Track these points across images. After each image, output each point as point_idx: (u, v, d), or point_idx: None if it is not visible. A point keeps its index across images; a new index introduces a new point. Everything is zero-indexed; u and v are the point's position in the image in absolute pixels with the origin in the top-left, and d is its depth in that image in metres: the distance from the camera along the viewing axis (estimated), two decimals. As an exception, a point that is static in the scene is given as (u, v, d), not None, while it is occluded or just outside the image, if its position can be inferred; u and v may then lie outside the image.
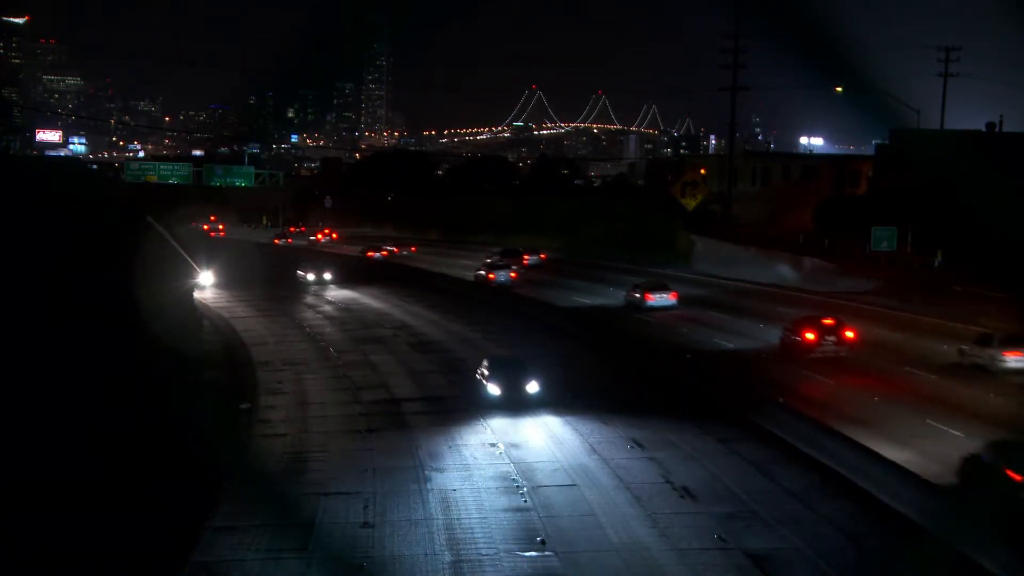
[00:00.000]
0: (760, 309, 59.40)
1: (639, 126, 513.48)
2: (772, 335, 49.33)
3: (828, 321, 46.60)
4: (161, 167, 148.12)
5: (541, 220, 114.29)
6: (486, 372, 39.36)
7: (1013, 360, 40.06)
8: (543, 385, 38.35)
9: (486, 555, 24.37)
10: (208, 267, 73.90)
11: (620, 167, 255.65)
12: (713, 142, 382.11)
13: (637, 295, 63.85)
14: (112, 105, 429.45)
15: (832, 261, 73.48)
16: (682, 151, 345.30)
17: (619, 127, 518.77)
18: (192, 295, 64.91)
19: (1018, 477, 24.42)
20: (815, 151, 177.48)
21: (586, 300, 68.35)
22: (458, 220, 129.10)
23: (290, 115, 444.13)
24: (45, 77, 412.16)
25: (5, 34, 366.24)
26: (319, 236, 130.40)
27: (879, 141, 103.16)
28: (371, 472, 31.18)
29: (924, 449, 30.73)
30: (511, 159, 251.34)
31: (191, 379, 42.10)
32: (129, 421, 29.94)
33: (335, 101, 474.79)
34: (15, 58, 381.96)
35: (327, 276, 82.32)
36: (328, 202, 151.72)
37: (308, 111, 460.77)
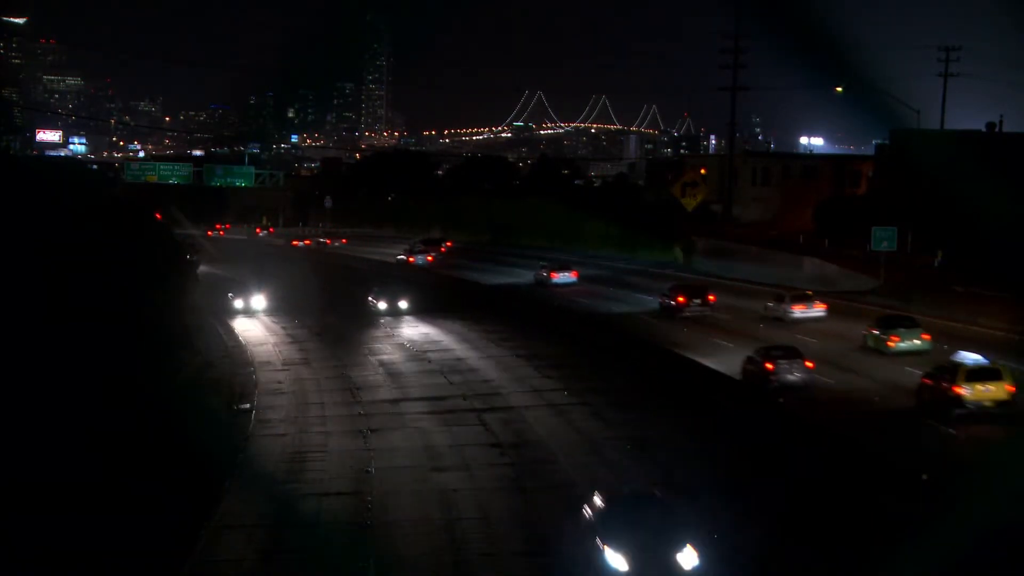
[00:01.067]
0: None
1: (639, 126, 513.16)
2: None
3: (696, 288, 62.52)
4: (161, 167, 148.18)
5: (541, 220, 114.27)
6: None
7: (798, 312, 56.70)
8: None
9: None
10: (259, 286, 70.21)
11: (620, 167, 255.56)
12: (713, 142, 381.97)
13: (544, 274, 76.73)
14: (112, 105, 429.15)
15: (832, 261, 73.50)
16: (682, 151, 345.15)
17: (619, 127, 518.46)
18: (224, 324, 62.62)
19: (771, 366, 40.44)
20: (815, 151, 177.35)
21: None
22: (457, 220, 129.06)
23: (290, 115, 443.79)
24: (45, 77, 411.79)
25: (5, 34, 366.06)
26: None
27: (879, 141, 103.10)
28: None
29: (726, 360, 44.49)
30: (511, 159, 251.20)
31: (192, 379, 42.12)
32: (129, 421, 29.95)
33: (335, 101, 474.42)
34: (15, 58, 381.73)
35: (402, 305, 65.36)
36: (328, 202, 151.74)
37: (308, 111, 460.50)
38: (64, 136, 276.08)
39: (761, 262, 78.64)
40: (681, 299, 60.23)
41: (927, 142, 76.55)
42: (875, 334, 47.96)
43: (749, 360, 42.12)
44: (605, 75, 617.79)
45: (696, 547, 21.22)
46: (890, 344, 46.55)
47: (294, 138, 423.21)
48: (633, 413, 37.06)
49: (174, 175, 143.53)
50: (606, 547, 21.40)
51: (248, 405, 41.01)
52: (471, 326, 59.26)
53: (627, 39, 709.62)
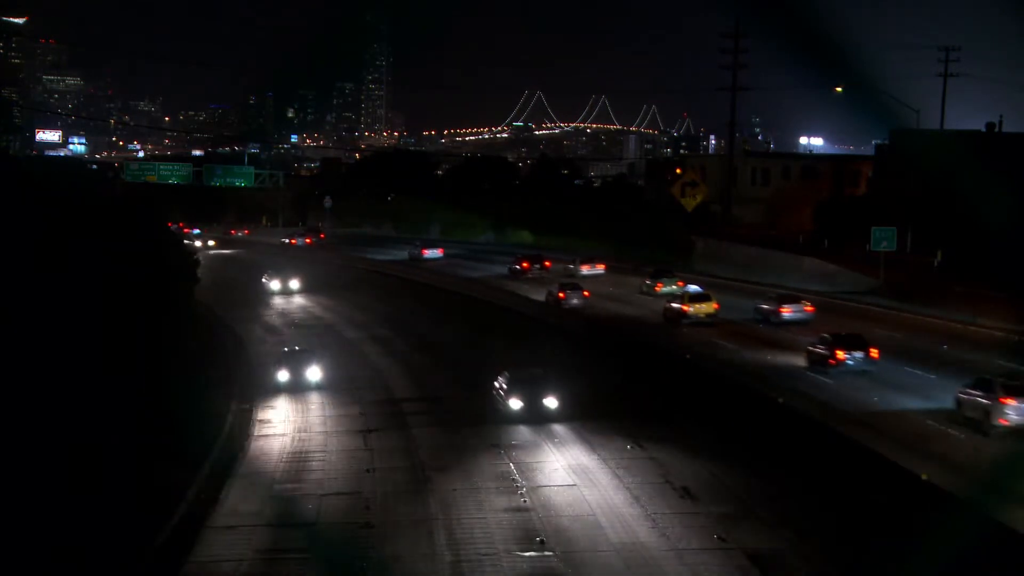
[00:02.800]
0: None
1: (639, 126, 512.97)
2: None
3: (535, 257, 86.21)
4: (161, 167, 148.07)
5: (541, 220, 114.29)
6: None
7: (585, 270, 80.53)
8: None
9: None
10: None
11: (620, 167, 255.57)
12: (713, 142, 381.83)
13: (416, 252, 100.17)
14: (112, 105, 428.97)
15: (832, 261, 73.50)
16: (682, 151, 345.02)
17: (619, 127, 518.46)
18: None
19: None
20: (815, 151, 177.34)
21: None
22: (458, 220, 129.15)
23: (290, 115, 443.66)
24: (45, 77, 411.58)
25: (5, 34, 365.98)
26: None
27: (879, 141, 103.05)
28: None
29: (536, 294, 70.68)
30: (511, 159, 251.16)
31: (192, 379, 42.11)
32: (129, 421, 29.95)
33: (335, 101, 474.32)
34: (15, 58, 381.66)
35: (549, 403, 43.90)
36: (328, 202, 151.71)
37: (308, 111, 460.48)
38: (64, 136, 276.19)
39: (760, 262, 78.63)
40: (525, 265, 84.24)
41: (927, 142, 76.58)
42: (647, 283, 72.93)
43: (548, 293, 68.35)
44: (605, 75, 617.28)
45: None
46: (656, 288, 70.56)
47: (294, 138, 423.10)
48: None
49: (174, 175, 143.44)
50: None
51: (248, 405, 41.03)
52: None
53: (627, 39, 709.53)
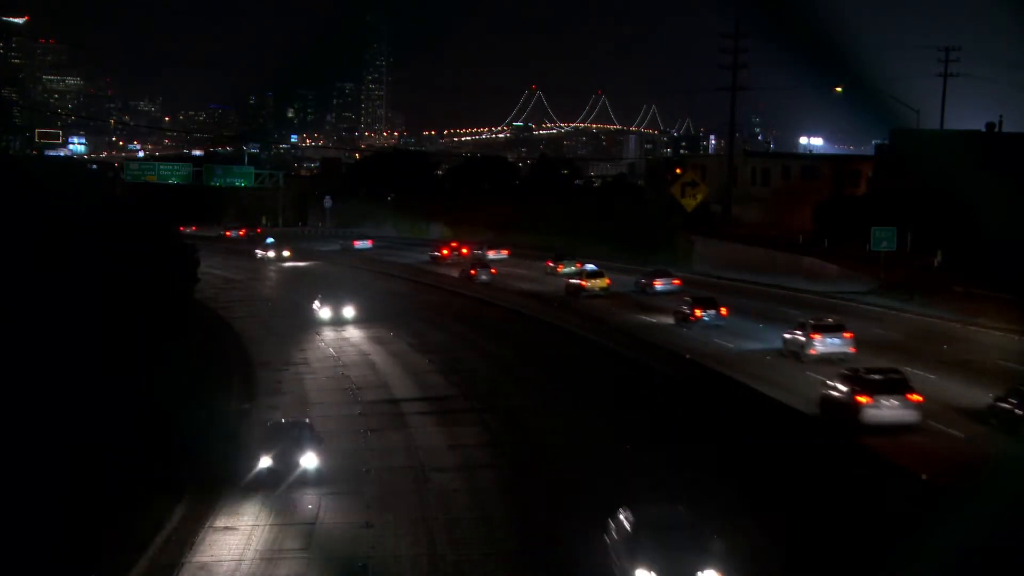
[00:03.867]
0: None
1: (639, 126, 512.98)
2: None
3: (452, 247, 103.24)
4: (161, 167, 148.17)
5: (540, 220, 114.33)
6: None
7: (491, 255, 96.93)
8: None
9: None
10: None
11: (620, 167, 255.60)
12: (713, 142, 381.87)
13: (348, 243, 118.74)
14: (112, 105, 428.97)
15: (832, 261, 73.48)
16: (682, 151, 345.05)
17: (619, 127, 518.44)
18: None
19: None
20: (815, 151, 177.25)
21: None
22: (458, 220, 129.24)
23: (290, 115, 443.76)
24: (45, 77, 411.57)
25: (5, 34, 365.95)
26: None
27: (879, 141, 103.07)
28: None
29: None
30: (511, 159, 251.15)
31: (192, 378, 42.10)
32: (129, 421, 29.96)
33: (335, 101, 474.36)
34: (15, 58, 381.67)
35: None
36: (328, 202, 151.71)
37: (308, 111, 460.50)
38: (64, 136, 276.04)
39: (760, 262, 78.61)
40: (444, 252, 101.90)
41: (927, 142, 76.59)
42: (550, 265, 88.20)
43: (462, 271, 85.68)
44: (605, 75, 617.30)
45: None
46: (559, 269, 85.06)
47: (294, 138, 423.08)
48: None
49: (174, 175, 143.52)
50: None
51: (248, 405, 41.03)
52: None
53: (628, 39, 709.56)
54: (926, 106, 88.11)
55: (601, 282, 72.64)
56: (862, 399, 33.92)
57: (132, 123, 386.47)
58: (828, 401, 36.02)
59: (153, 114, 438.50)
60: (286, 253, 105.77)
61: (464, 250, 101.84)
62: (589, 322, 58.28)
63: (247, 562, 24.49)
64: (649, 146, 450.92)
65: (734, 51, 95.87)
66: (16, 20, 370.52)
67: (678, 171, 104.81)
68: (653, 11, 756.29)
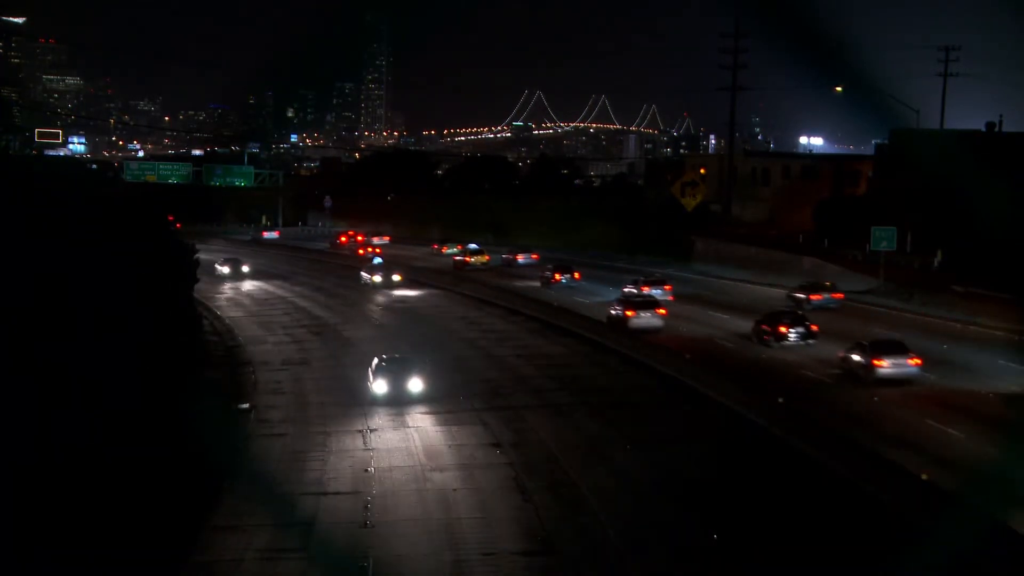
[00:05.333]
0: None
1: (639, 126, 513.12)
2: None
3: (374, 242, 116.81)
4: (161, 167, 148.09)
5: (541, 220, 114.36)
6: None
7: (445, 252, 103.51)
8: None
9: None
10: None
11: (620, 167, 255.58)
12: (713, 142, 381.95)
13: (257, 234, 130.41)
14: (112, 105, 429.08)
15: (832, 261, 73.50)
16: (682, 151, 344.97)
17: (619, 127, 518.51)
18: None
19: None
20: (815, 151, 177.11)
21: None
22: (458, 220, 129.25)
23: (290, 115, 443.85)
24: (45, 77, 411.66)
25: (5, 34, 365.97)
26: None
27: (879, 141, 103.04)
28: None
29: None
30: (511, 159, 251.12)
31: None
32: (129, 420, 29.94)
33: (335, 101, 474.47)
34: (15, 58, 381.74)
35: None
36: (328, 202, 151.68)
37: (308, 111, 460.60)
38: (64, 136, 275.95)
39: (760, 262, 78.65)
40: (343, 239, 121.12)
41: (927, 142, 76.57)
42: (435, 248, 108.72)
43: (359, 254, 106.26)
44: (605, 75, 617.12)
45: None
46: (443, 251, 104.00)
47: (294, 138, 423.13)
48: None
49: (174, 175, 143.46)
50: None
51: (248, 405, 41.01)
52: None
53: (627, 39, 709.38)
54: (926, 106, 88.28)
55: (482, 258, 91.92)
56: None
57: (132, 123, 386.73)
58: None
59: (153, 114, 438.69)
60: (396, 278, 79.58)
61: (359, 237, 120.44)
62: (476, 285, 75.37)
63: (247, 562, 24.49)
64: (649, 146, 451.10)
65: (734, 51, 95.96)
66: (16, 20, 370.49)
67: (688, 174, 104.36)
68: (653, 11, 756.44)
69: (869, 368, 40.95)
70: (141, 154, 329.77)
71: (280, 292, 78.77)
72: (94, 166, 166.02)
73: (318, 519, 27.21)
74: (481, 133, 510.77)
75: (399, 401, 39.86)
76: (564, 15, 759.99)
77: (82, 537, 23.88)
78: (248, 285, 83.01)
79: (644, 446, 33.07)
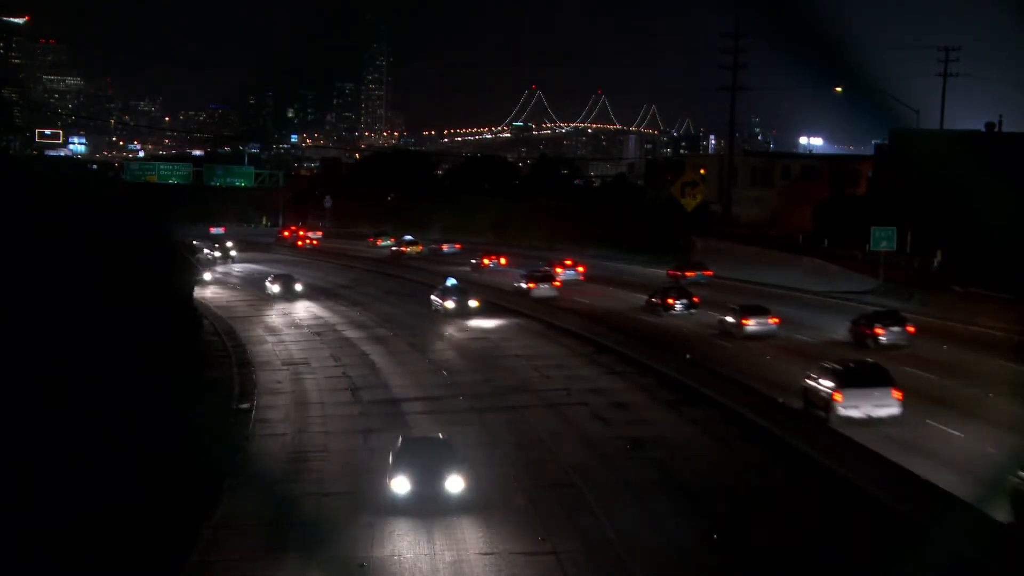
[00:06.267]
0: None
1: (639, 126, 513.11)
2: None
3: (310, 233, 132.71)
4: (161, 167, 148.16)
5: (541, 220, 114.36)
6: None
7: (380, 245, 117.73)
8: None
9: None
10: None
11: (620, 167, 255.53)
12: (713, 142, 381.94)
13: (205, 229, 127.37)
14: (112, 105, 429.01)
15: (832, 261, 73.52)
16: (682, 151, 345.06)
17: (619, 127, 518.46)
18: None
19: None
20: (815, 151, 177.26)
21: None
22: (458, 220, 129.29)
23: (290, 115, 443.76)
24: (45, 77, 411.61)
25: (5, 34, 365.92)
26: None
27: (879, 141, 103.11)
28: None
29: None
30: (511, 159, 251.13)
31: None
32: (129, 421, 29.95)
33: (335, 101, 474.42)
34: (15, 58, 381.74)
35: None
36: (328, 202, 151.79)
37: (308, 111, 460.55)
38: (64, 136, 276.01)
39: (760, 262, 78.65)
40: (285, 234, 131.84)
41: (927, 142, 76.61)
42: (370, 241, 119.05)
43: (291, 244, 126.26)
44: (605, 75, 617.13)
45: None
46: (377, 243, 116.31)
47: (294, 138, 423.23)
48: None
49: (174, 175, 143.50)
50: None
51: (248, 405, 41.02)
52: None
53: (627, 39, 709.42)
54: (926, 106, 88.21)
55: (416, 248, 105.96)
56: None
57: (132, 123, 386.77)
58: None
59: (153, 114, 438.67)
60: (473, 303, 63.64)
61: (301, 232, 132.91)
62: (412, 271, 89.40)
63: (246, 562, 24.50)
64: (649, 146, 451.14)
65: (734, 51, 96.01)
66: (16, 20, 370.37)
67: (688, 174, 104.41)
68: (653, 11, 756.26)
69: (739, 326, 51.73)
70: (141, 154, 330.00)
71: (334, 320, 64.58)
72: (94, 166, 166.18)
73: (318, 519, 27.21)
74: (481, 133, 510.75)
75: (428, 510, 26.64)
76: (564, 15, 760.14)
77: (82, 537, 23.89)
78: (301, 309, 69.82)
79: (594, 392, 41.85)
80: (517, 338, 56.01)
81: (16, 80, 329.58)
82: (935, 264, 68.53)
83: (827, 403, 34.03)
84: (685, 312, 59.52)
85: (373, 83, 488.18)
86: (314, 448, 34.67)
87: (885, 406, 33.65)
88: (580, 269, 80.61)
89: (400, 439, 29.55)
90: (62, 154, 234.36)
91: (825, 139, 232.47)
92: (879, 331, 48.00)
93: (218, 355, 52.48)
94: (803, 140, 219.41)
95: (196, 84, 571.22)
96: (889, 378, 34.43)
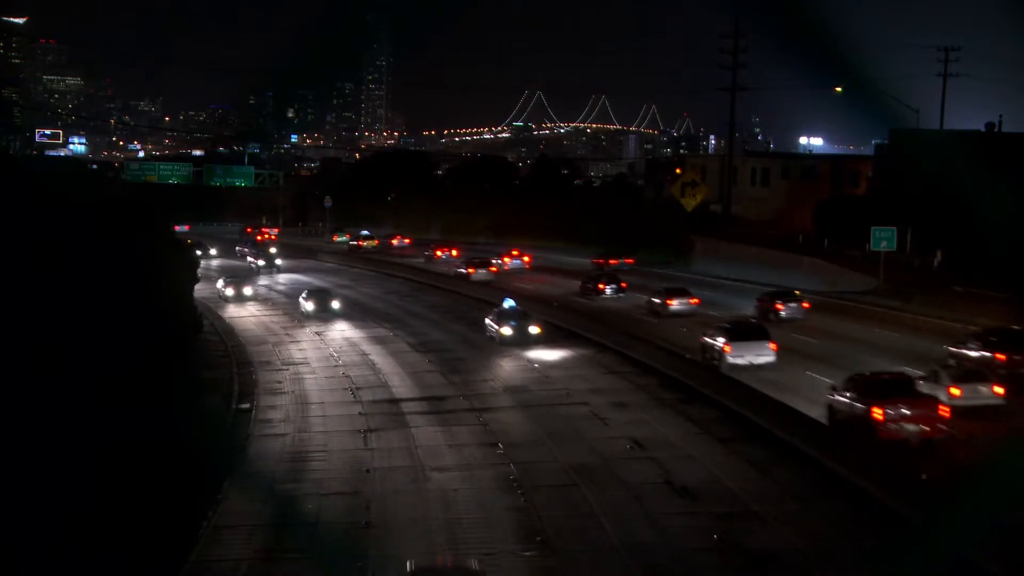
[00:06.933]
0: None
1: (639, 126, 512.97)
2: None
3: (266, 230, 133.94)
4: (161, 167, 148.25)
5: (541, 220, 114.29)
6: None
7: (336, 240, 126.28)
8: None
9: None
10: None
11: (620, 167, 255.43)
12: (713, 142, 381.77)
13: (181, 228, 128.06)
14: (112, 105, 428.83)
15: (831, 261, 73.50)
16: (682, 151, 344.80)
17: (619, 127, 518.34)
18: None
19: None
20: (815, 151, 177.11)
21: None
22: (458, 220, 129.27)
23: (290, 115, 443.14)
24: (45, 77, 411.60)
25: (5, 34, 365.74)
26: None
27: (879, 141, 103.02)
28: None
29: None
30: (511, 159, 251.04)
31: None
32: (129, 421, 29.96)
33: (335, 101, 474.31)
34: (15, 58, 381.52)
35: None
36: (328, 202, 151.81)
37: (308, 111, 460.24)
38: (64, 136, 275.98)
39: (760, 262, 78.64)
40: (249, 230, 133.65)
41: (926, 142, 76.52)
42: (327, 236, 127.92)
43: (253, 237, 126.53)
44: (605, 75, 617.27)
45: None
46: (334, 239, 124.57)
47: (294, 138, 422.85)
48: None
49: (174, 175, 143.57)
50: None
51: (248, 405, 41.04)
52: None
53: (627, 39, 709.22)
54: (926, 106, 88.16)
55: (372, 242, 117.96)
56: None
57: (132, 123, 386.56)
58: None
59: (153, 114, 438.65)
60: (534, 330, 52.75)
61: (264, 230, 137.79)
62: (372, 263, 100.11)
63: (247, 562, 24.49)
64: (649, 146, 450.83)
65: (734, 51, 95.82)
66: (16, 20, 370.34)
67: (678, 171, 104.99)
68: (653, 11, 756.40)
69: (664, 306, 59.73)
70: (141, 154, 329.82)
71: (368, 348, 54.12)
72: (94, 166, 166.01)
73: (318, 519, 27.23)
74: (481, 133, 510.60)
75: None
76: (564, 15, 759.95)
77: (82, 536, 23.90)
78: (337, 333, 59.93)
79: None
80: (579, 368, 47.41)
81: (16, 80, 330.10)
82: (935, 264, 68.49)
83: (720, 354, 43.37)
84: (614, 295, 68.38)
85: (373, 83, 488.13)
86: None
87: (763, 355, 42.96)
88: (526, 259, 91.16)
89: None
90: (62, 154, 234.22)
91: (825, 139, 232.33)
92: (779, 306, 56.38)
93: (218, 356, 52.55)
94: (803, 140, 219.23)
95: (196, 84, 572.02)
96: (767, 334, 44.15)
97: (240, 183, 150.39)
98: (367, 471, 31.54)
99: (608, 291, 68.84)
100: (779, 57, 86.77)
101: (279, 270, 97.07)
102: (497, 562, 23.35)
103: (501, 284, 75.01)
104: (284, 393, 43.71)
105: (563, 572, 23.29)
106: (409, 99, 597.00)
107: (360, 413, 39.63)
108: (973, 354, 39.41)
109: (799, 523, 25.72)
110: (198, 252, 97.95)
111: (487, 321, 54.91)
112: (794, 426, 31.86)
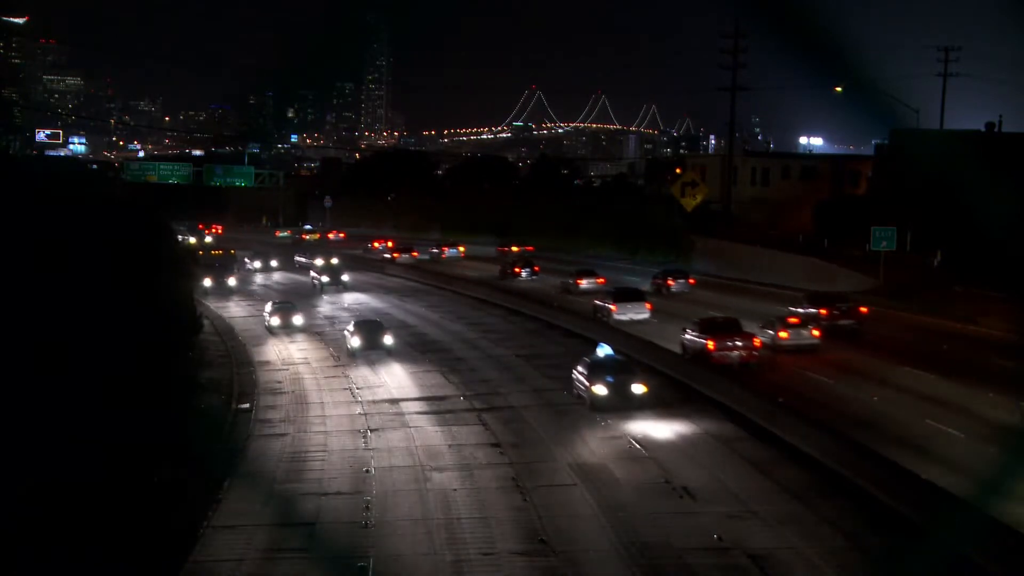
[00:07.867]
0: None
1: (639, 126, 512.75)
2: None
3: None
4: (161, 167, 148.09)
5: (541, 220, 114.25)
6: None
7: (306, 239, 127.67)
8: None
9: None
10: None
11: (620, 167, 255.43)
12: (713, 142, 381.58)
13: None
14: (112, 105, 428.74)
15: (831, 261, 73.46)
16: (682, 151, 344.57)
17: (619, 127, 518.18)
18: None
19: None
20: (815, 151, 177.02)
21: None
22: (458, 220, 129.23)
23: (290, 115, 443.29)
24: (45, 77, 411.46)
25: (5, 34, 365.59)
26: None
27: (879, 141, 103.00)
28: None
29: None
30: (511, 159, 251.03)
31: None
32: (129, 421, 29.95)
33: (335, 101, 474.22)
34: (15, 58, 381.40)
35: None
36: (328, 202, 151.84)
37: (308, 111, 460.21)
38: (64, 136, 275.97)
39: (760, 261, 78.59)
40: (205, 229, 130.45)
41: (926, 142, 76.52)
42: (297, 236, 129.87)
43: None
44: (605, 75, 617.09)
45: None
46: (303, 238, 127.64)
47: (294, 138, 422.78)
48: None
49: (174, 175, 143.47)
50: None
51: (248, 405, 41.04)
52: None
53: (627, 39, 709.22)
54: (926, 106, 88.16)
55: (314, 236, 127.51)
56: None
57: (132, 123, 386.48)
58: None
59: (153, 114, 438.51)
60: (639, 389, 38.15)
61: (215, 226, 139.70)
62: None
63: (247, 562, 24.49)
64: (649, 146, 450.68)
65: (734, 51, 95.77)
66: (16, 20, 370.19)
67: (678, 171, 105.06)
68: (653, 11, 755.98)
69: (574, 285, 72.20)
70: (141, 154, 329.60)
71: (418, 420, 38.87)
72: (94, 166, 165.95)
73: (318, 519, 27.23)
74: (481, 133, 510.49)
75: None
76: (564, 14, 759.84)
77: (82, 536, 23.89)
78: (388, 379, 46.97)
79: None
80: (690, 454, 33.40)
81: (16, 80, 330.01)
82: (935, 264, 68.46)
83: (608, 312, 57.20)
84: (529, 278, 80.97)
85: (373, 83, 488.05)
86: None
87: (641, 313, 56.82)
88: (461, 249, 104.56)
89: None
90: (62, 154, 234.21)
91: (825, 139, 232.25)
92: (671, 282, 69.62)
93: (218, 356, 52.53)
94: (803, 140, 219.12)
95: (196, 84, 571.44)
96: (643, 296, 59.52)
97: (240, 183, 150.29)
98: None
99: (524, 274, 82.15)
100: (779, 57, 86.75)
101: (345, 287, 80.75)
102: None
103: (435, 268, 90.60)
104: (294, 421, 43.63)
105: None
106: (409, 99, 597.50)
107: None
108: (802, 311, 51.41)
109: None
110: (325, 279, 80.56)
111: (574, 375, 40.31)
112: (657, 355, 44.86)
